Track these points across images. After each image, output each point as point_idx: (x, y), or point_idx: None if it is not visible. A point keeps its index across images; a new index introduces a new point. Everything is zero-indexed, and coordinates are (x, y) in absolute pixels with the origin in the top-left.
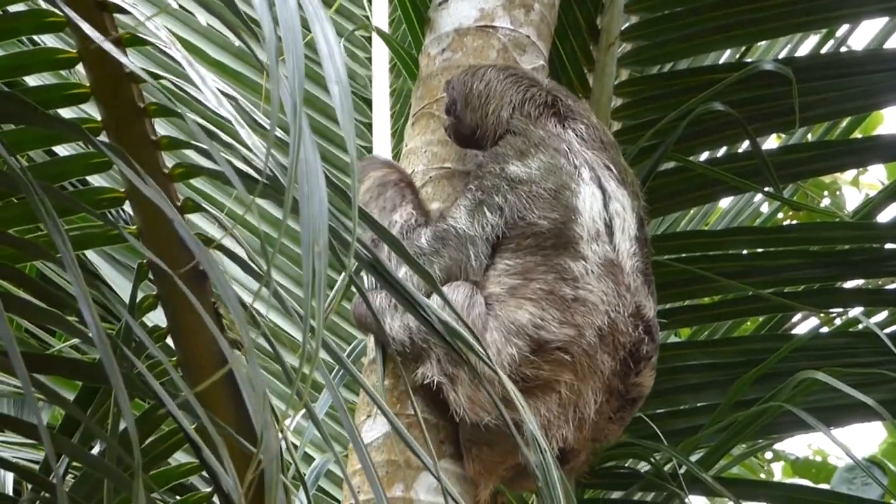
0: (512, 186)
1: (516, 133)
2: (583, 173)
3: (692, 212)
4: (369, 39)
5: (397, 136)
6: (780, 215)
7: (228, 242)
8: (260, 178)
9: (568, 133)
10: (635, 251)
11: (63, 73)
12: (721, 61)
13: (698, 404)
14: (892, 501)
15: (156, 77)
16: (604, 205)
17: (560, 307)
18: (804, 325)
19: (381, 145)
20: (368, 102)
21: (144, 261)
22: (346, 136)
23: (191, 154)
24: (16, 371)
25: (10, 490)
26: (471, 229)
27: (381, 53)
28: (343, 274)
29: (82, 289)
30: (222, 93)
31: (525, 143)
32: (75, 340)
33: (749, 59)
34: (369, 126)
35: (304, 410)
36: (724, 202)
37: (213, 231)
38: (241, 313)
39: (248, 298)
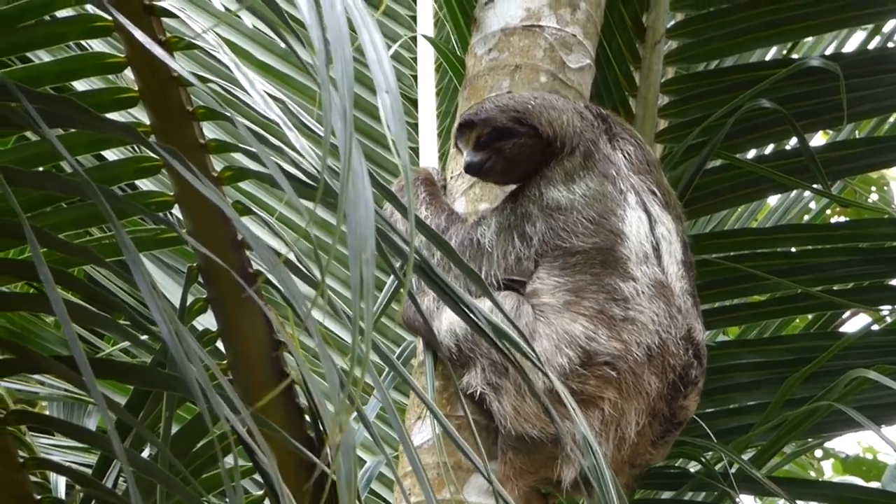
0: (547, 215)
1: (578, 151)
2: (629, 198)
3: (740, 210)
4: (414, 39)
5: (444, 136)
6: (829, 212)
7: (277, 244)
8: (311, 183)
9: (617, 155)
10: (683, 274)
11: (111, 77)
12: (767, 58)
13: (748, 403)
14: None
15: (203, 80)
16: (650, 228)
17: (609, 325)
18: (854, 322)
19: (428, 146)
20: (414, 102)
21: (195, 265)
22: (399, 144)
23: (238, 157)
24: (83, 376)
25: (62, 493)
26: (492, 248)
27: (426, 53)
28: (391, 277)
29: (150, 292)
30: (270, 96)
31: (573, 165)
32: (124, 344)
33: (795, 56)
34: (415, 126)
35: (354, 413)
36: (772, 199)
37: (262, 235)
38: (308, 316)
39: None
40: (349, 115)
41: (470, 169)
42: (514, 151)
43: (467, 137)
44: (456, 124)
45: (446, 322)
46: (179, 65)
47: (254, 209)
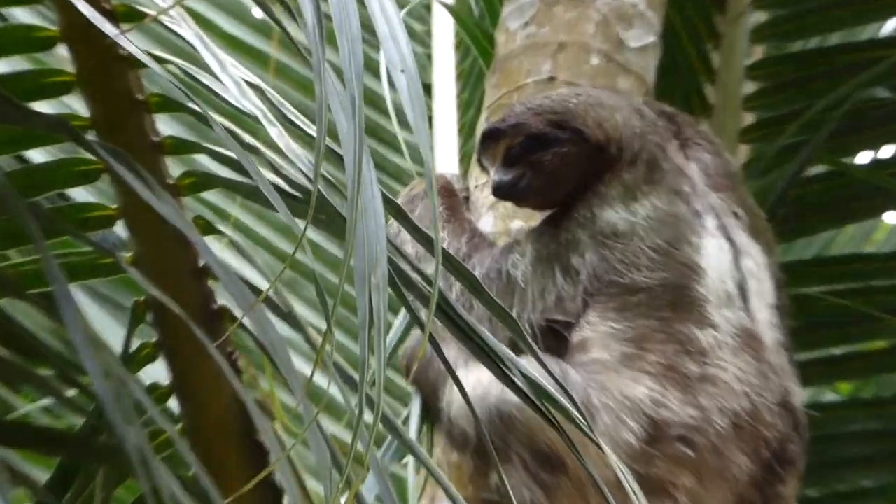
0: (600, 243)
1: (640, 160)
2: (706, 222)
3: (850, 230)
4: (428, 7)
5: (465, 132)
6: None
7: (251, 273)
8: (295, 194)
9: (691, 166)
10: (775, 321)
11: (39, 56)
12: (883, 34)
13: (865, 484)
14: None
15: (159, 61)
16: (734, 261)
17: (682, 386)
18: None
19: (445, 145)
20: (428, 88)
21: (142, 299)
22: (421, 141)
23: (202, 160)
24: None
25: None
26: (526, 283)
27: (444, 26)
28: (401, 312)
29: (82, 334)
30: (246, 82)
31: (634, 178)
32: (47, 401)
33: None
34: (429, 119)
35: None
36: (892, 217)
37: (231, 261)
38: (290, 368)
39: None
40: (359, 106)
41: (499, 190)
42: (554, 164)
43: (493, 151)
44: (478, 135)
45: (460, 398)
46: (129, 40)
47: (221, 228)
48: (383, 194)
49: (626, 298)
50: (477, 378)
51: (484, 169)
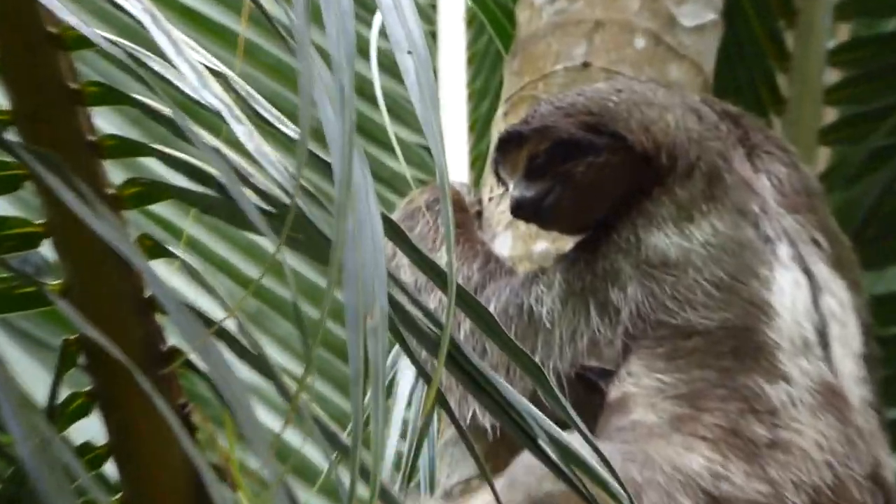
0: (645, 273)
1: (698, 171)
2: (780, 251)
3: None
4: None
5: (478, 129)
6: None
7: (209, 304)
8: (268, 208)
9: (761, 180)
10: (862, 374)
11: None
12: None
13: None
14: None
15: (99, 42)
16: (812, 300)
17: (748, 455)
18: None
19: (453, 144)
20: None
21: (73, 337)
22: (432, 141)
23: (151, 164)
24: None
25: None
26: (553, 322)
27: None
28: (395, 352)
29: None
30: (207, 69)
31: (690, 195)
32: None
33: None
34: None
35: None
36: None
37: (184, 289)
38: (255, 424)
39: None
40: (349, 98)
41: (521, 209)
42: (589, 177)
43: (513, 159)
44: (494, 136)
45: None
46: (61, 14)
47: (173, 249)
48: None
49: (678, 344)
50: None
51: (501, 180)
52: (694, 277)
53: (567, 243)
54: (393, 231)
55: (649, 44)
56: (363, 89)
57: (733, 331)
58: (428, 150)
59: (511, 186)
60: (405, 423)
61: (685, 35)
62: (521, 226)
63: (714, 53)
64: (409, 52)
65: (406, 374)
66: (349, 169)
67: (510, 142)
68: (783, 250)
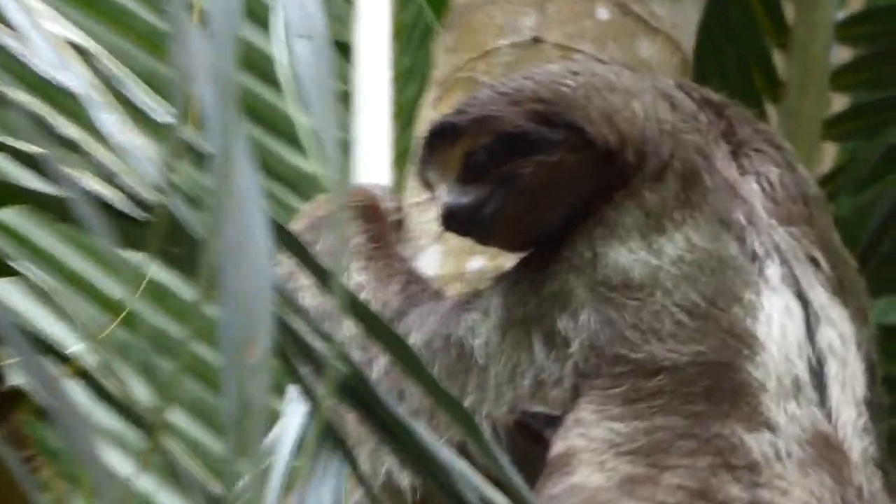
0: (603, 297)
1: (670, 171)
2: (768, 270)
3: None
4: None
5: (403, 118)
6: None
7: (64, 332)
8: (134, 215)
9: (748, 184)
10: (865, 424)
11: None
12: None
13: None
14: None
15: None
16: (807, 332)
17: None
18: None
19: (372, 137)
20: (347, 51)
21: None
22: (325, 161)
23: None
24: None
25: None
26: (488, 358)
27: None
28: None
29: None
30: (66, 41)
31: (661, 199)
32: None
33: None
34: (345, 97)
35: None
36: None
37: (31, 310)
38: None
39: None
40: (226, 66)
41: (453, 219)
42: (540, 179)
43: (445, 157)
44: (422, 132)
45: None
46: None
47: (18, 265)
48: (268, 214)
49: (639, 383)
50: None
51: (428, 183)
52: (662, 302)
53: (509, 260)
54: (291, 244)
55: (614, 14)
56: (264, 68)
57: (708, 367)
58: (344, 143)
59: (441, 190)
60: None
61: (658, 4)
62: (454, 239)
63: (694, 27)
64: (308, 38)
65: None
66: (228, 158)
67: (442, 136)
68: (773, 270)
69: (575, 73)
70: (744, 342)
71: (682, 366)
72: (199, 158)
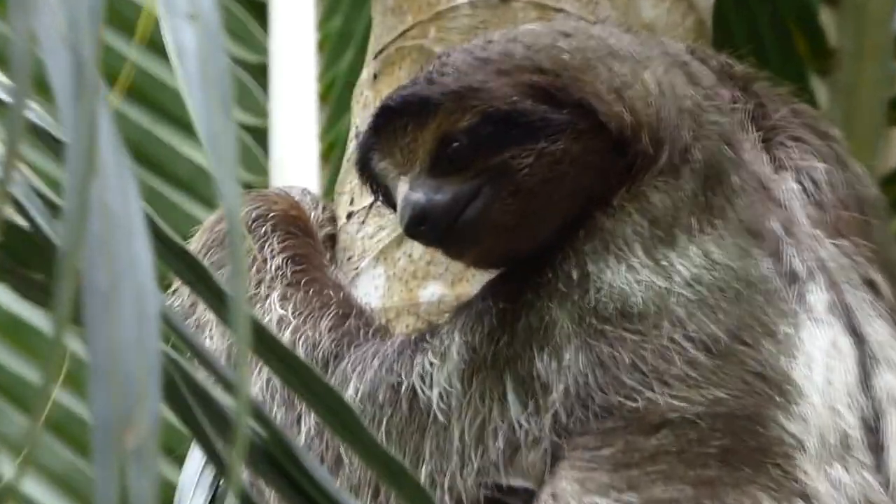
0: (592, 330)
1: (689, 165)
2: (811, 296)
3: None
4: None
5: (334, 100)
6: None
7: None
8: None
9: (786, 182)
10: None
11: None
12: None
13: None
14: None
15: None
16: (861, 376)
17: None
18: None
19: (294, 124)
20: (261, 11)
21: None
22: (218, 167)
23: None
24: None
25: None
26: (449, 413)
27: None
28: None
29: None
30: None
31: (672, 202)
32: None
33: None
34: (259, 71)
35: None
36: None
37: None
38: None
39: None
40: (90, 38)
41: (426, 223)
42: (541, 173)
43: (406, 142)
44: (361, 115)
45: None
46: None
47: None
48: (155, 227)
49: (636, 443)
50: None
51: (372, 181)
52: (670, 335)
53: (475, 285)
54: (186, 266)
55: None
56: (151, 37)
57: (726, 420)
58: (258, 131)
59: (402, 186)
60: None
61: None
62: (401, 258)
63: None
64: (193, 17)
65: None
66: (89, 148)
67: (403, 113)
68: (817, 295)
69: (567, 36)
70: (776, 388)
71: (692, 418)
72: (53, 148)
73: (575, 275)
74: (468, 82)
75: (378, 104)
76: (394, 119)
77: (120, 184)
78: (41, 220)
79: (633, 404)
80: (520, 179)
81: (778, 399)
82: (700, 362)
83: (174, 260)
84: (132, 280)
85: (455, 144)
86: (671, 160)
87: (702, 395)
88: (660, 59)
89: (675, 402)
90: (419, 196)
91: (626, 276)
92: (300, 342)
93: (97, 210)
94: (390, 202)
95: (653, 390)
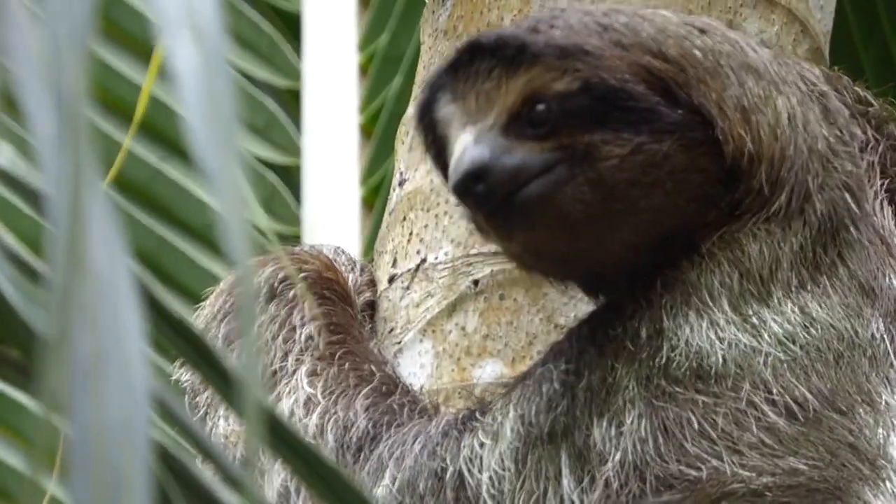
0: (660, 391)
1: (809, 211)
2: None
3: None
4: None
5: (379, 133)
6: None
7: None
8: None
9: None
10: None
11: None
12: None
13: None
14: None
15: None
16: None
17: None
18: None
19: (329, 163)
20: (291, 24)
21: None
22: (228, 212)
23: None
24: None
25: None
26: (503, 499)
27: None
28: None
29: None
30: None
31: (782, 255)
32: None
33: None
34: (291, 97)
35: None
36: None
37: None
38: None
39: None
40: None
41: (479, 182)
42: (631, 170)
43: (487, 90)
44: (455, 49)
45: None
46: None
47: None
48: (147, 292)
49: None
50: None
51: (429, 130)
52: (749, 398)
53: (528, 357)
54: (189, 341)
55: None
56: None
57: (799, 494)
58: (289, 171)
59: (466, 134)
60: None
61: None
62: (452, 331)
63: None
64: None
65: None
66: (73, 197)
67: (492, 53)
68: None
69: (703, 32)
70: (867, 461)
71: (758, 488)
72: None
73: (645, 332)
74: (579, 42)
75: (464, 39)
76: (480, 58)
77: (103, 236)
78: (11, 290)
79: (696, 473)
80: (603, 169)
81: (866, 472)
82: (780, 429)
83: (170, 332)
84: (118, 354)
85: (541, 106)
86: (787, 208)
87: (776, 463)
88: (796, 86)
89: (743, 472)
90: (483, 150)
91: (708, 333)
92: (329, 427)
93: (83, 271)
94: (442, 162)
95: (721, 459)
